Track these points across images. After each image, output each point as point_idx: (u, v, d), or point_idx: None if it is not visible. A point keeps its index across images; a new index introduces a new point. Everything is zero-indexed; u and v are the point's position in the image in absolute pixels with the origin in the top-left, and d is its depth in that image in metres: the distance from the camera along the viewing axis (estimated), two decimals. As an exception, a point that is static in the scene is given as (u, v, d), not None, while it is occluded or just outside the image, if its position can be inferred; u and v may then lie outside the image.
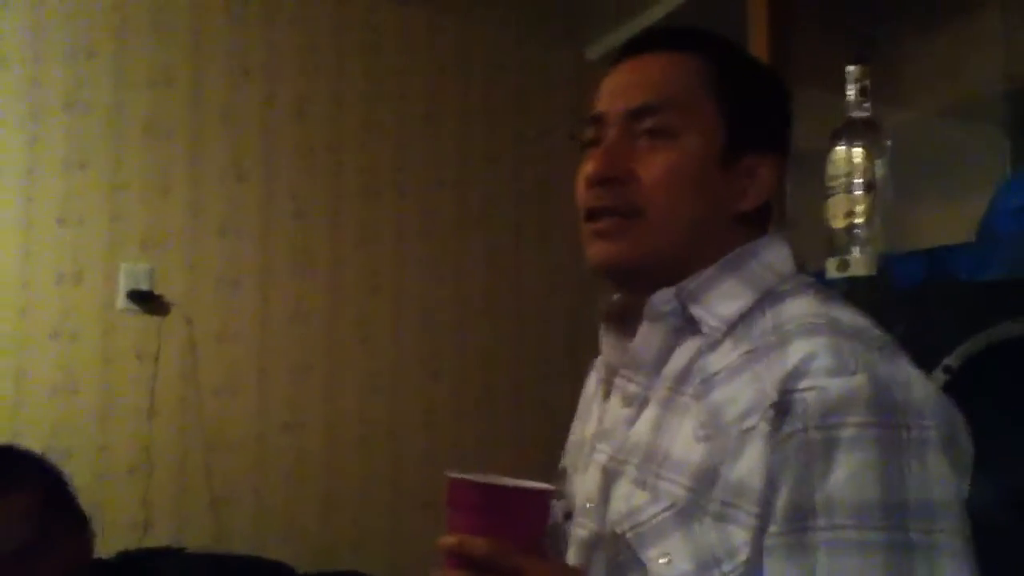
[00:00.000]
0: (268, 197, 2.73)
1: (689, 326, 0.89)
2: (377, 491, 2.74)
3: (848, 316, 0.84)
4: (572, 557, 0.93)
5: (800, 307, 0.85)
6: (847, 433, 0.76)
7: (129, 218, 2.56)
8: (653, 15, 2.89)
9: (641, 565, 0.83)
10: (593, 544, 0.91)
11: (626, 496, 0.87)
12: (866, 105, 1.44)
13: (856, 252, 1.41)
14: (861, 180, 1.41)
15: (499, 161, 2.98)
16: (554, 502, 0.95)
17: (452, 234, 2.95)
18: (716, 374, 0.85)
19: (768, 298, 0.88)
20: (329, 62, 2.84)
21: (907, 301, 1.38)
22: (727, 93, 0.91)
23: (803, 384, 0.78)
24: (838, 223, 1.43)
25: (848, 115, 1.45)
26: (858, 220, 1.41)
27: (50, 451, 1.52)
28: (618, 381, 0.94)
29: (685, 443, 0.84)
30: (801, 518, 0.76)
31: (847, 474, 0.75)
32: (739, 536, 0.78)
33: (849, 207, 1.41)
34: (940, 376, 1.21)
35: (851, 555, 0.74)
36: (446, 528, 0.81)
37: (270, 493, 2.62)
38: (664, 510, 0.83)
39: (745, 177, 0.91)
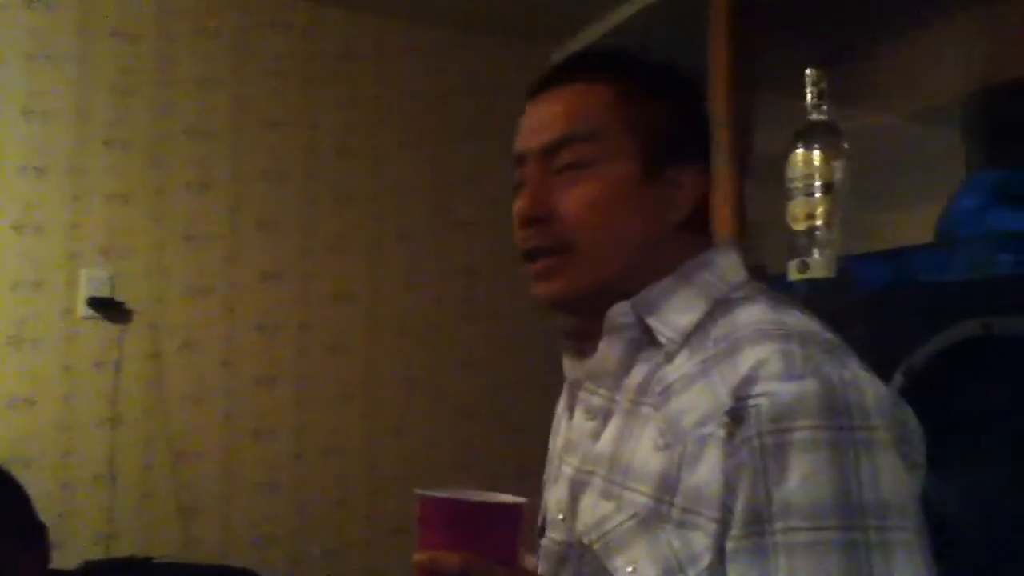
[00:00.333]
0: (235, 205, 2.70)
1: (647, 338, 0.91)
2: (349, 500, 2.72)
3: (798, 320, 0.85)
4: (544, 569, 0.95)
5: (751, 314, 0.86)
6: (799, 436, 0.77)
7: (89, 225, 2.53)
8: (617, 18, 2.91)
9: (609, 574, 0.84)
10: (563, 556, 0.92)
11: (592, 507, 0.89)
12: (824, 108, 1.46)
13: (816, 254, 1.42)
14: (820, 183, 1.42)
15: (471, 167, 2.98)
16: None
17: (426, 243, 2.95)
18: (673, 384, 0.87)
19: (720, 307, 0.89)
20: (300, 71, 2.83)
21: (868, 303, 1.40)
22: (637, 115, 0.92)
23: (755, 390, 0.79)
24: (798, 225, 1.44)
25: (807, 118, 1.46)
26: (818, 222, 1.42)
27: (10, 461, 1.49)
28: (582, 395, 0.96)
29: (645, 452, 0.86)
30: (759, 522, 0.77)
31: (800, 477, 0.76)
32: (701, 542, 0.79)
33: (809, 209, 1.42)
34: (901, 378, 1.23)
35: (808, 556, 0.75)
36: (418, 545, 0.81)
37: (238, 503, 2.60)
38: (628, 519, 0.84)
39: (671, 189, 0.93)
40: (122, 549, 2.35)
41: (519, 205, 0.94)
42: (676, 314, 0.90)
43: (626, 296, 0.91)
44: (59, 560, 1.48)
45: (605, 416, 0.93)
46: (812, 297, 1.39)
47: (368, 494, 2.73)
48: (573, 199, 0.91)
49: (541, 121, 0.94)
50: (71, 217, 2.51)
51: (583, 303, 0.94)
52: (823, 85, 1.44)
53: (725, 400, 0.80)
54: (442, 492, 0.83)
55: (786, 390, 0.78)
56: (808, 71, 1.46)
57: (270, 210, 2.75)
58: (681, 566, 0.80)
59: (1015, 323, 1.14)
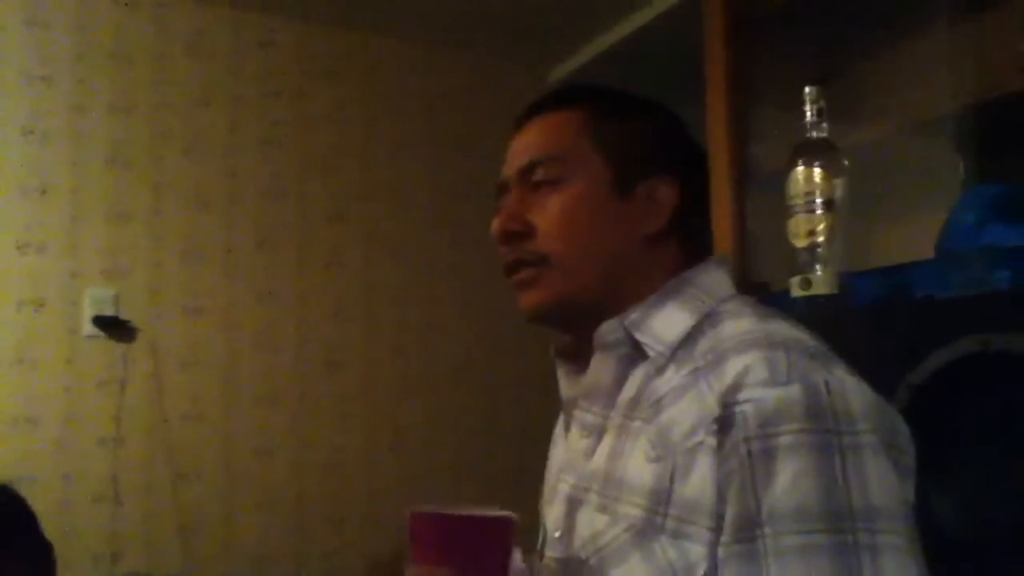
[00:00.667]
0: (231, 224, 2.72)
1: (637, 354, 0.93)
2: (348, 516, 2.73)
3: (783, 329, 0.87)
4: None
5: (737, 325, 0.88)
6: (785, 441, 0.78)
7: (90, 245, 2.54)
8: (613, 37, 2.93)
9: None
10: (561, 572, 0.93)
11: (588, 522, 0.90)
12: (823, 126, 1.47)
13: (818, 270, 1.43)
14: (821, 199, 1.44)
15: (466, 184, 2.99)
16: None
17: (421, 257, 2.96)
18: (663, 396, 0.89)
19: (708, 320, 0.92)
20: (293, 90, 2.85)
21: (868, 319, 1.41)
22: (605, 135, 0.98)
23: (741, 396, 0.81)
24: (800, 242, 1.45)
25: (806, 135, 1.48)
26: (819, 239, 1.43)
27: (13, 480, 1.49)
28: (576, 413, 0.98)
29: (638, 465, 0.87)
30: (749, 527, 0.78)
31: (787, 481, 0.77)
32: (696, 551, 0.80)
33: (810, 226, 1.44)
34: (904, 394, 1.24)
35: (798, 560, 0.76)
36: (408, 561, 0.81)
37: (238, 520, 2.60)
38: (623, 532, 0.85)
39: (645, 203, 0.97)
40: (125, 567, 2.35)
41: (494, 223, 0.99)
42: (664, 328, 0.92)
43: (607, 308, 0.94)
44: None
45: (600, 433, 0.94)
46: (813, 313, 1.40)
47: (367, 509, 2.73)
48: (547, 213, 0.96)
49: (519, 149, 1.01)
50: (72, 237, 2.52)
51: (563, 315, 0.98)
52: (822, 103, 1.46)
53: (713, 408, 0.82)
54: (431, 508, 0.84)
55: (771, 396, 0.79)
56: (807, 89, 1.48)
57: (266, 228, 2.76)
58: None
59: (1014, 339, 1.16)
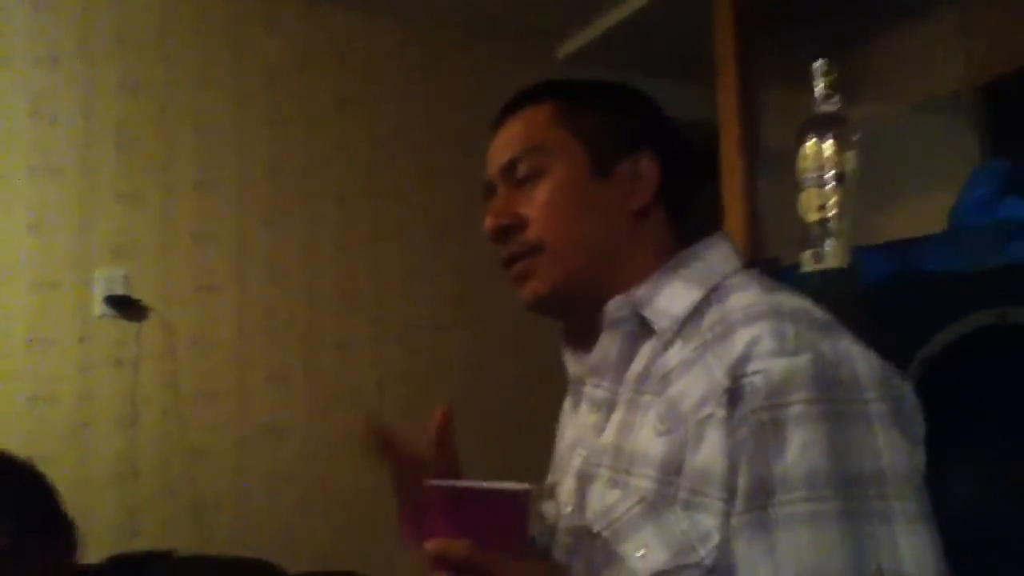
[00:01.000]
0: (240, 205, 2.72)
1: (645, 330, 0.94)
2: (361, 492, 2.73)
3: (789, 300, 0.87)
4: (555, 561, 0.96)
5: (744, 298, 0.89)
6: (793, 411, 0.79)
7: (101, 225, 2.55)
8: (622, 12, 2.92)
9: (620, 561, 0.86)
10: (574, 548, 0.94)
11: (599, 496, 0.91)
12: (834, 99, 1.46)
13: (830, 244, 1.43)
14: (832, 173, 1.43)
15: (472, 163, 2.98)
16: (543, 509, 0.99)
17: (429, 238, 2.96)
18: (672, 370, 0.90)
19: (714, 294, 0.93)
20: (299, 70, 2.84)
21: (881, 293, 1.41)
22: (580, 122, 1.00)
23: (750, 368, 0.81)
24: (811, 216, 1.45)
25: (816, 109, 1.47)
26: (831, 213, 1.43)
27: (30, 459, 1.51)
28: (586, 390, 0.99)
29: (648, 439, 0.88)
30: (760, 496, 0.79)
31: (797, 450, 0.78)
32: (709, 521, 0.81)
33: (821, 200, 1.43)
34: (919, 366, 1.24)
35: (808, 527, 0.76)
36: (425, 534, 0.82)
37: (253, 497, 2.61)
38: (635, 504, 0.86)
39: (628, 180, 0.99)
40: (141, 544, 2.36)
41: (486, 221, 1.00)
42: (670, 303, 0.93)
43: (605, 288, 0.96)
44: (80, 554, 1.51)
45: (609, 409, 0.96)
46: (825, 287, 1.40)
47: (379, 487, 2.74)
48: (534, 204, 0.98)
49: (498, 149, 1.03)
50: (82, 217, 2.53)
51: (563, 300, 0.99)
52: (833, 76, 1.45)
53: (722, 380, 0.83)
54: (448, 482, 0.85)
55: (779, 366, 0.80)
56: (818, 62, 1.47)
57: (274, 208, 2.76)
58: (691, 547, 0.81)
59: (1028, 311, 1.15)
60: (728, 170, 1.79)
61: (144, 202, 2.60)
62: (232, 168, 2.71)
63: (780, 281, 0.93)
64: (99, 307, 2.50)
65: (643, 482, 0.86)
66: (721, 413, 0.82)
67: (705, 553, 0.81)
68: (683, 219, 1.01)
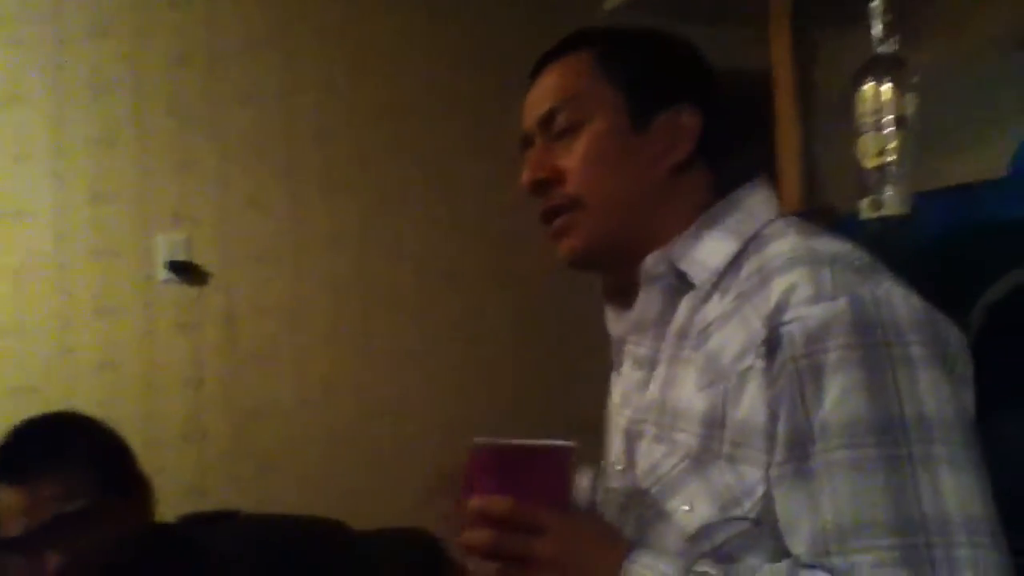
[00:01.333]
0: (292, 172, 2.73)
1: (683, 284, 0.93)
2: (414, 450, 2.76)
3: (827, 244, 0.86)
4: (607, 519, 0.97)
5: (781, 245, 0.88)
6: (832, 357, 0.78)
7: (159, 192, 2.59)
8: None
9: (669, 516, 0.86)
10: (624, 505, 0.94)
11: (647, 453, 0.92)
12: (892, 40, 1.42)
13: (889, 191, 1.40)
14: (891, 117, 1.39)
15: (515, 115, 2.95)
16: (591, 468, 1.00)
17: (478, 199, 2.94)
18: (711, 324, 0.89)
19: (752, 243, 0.92)
20: (345, 34, 2.82)
21: (942, 239, 1.38)
22: (617, 72, 0.98)
23: (787, 316, 0.81)
24: (869, 162, 1.41)
25: (874, 52, 1.43)
26: (890, 158, 1.39)
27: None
28: (628, 348, 0.99)
29: (690, 393, 0.88)
30: (800, 445, 0.78)
31: (836, 396, 0.77)
32: (753, 474, 0.81)
33: (880, 145, 1.40)
34: (981, 313, 1.21)
35: (850, 474, 0.76)
36: (467, 492, 0.83)
37: (312, 456, 2.66)
38: (680, 460, 0.87)
39: (668, 133, 0.97)
40: (208, 505, 2.43)
41: (524, 175, 1.00)
42: (708, 255, 0.92)
43: (645, 243, 0.95)
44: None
45: (652, 365, 0.96)
46: (884, 235, 1.37)
47: (435, 445, 2.76)
48: (573, 157, 0.97)
49: (535, 99, 1.02)
50: (141, 186, 2.57)
51: (603, 256, 0.99)
52: (891, 17, 1.41)
53: (760, 330, 0.82)
54: (491, 439, 0.85)
55: (816, 313, 0.79)
56: (874, 3, 1.42)
57: (326, 172, 2.77)
58: (736, 500, 0.82)
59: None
60: (781, 117, 1.76)
61: (199, 169, 2.63)
62: (280, 134, 2.71)
63: (839, 230, 0.91)
64: (162, 272, 2.55)
65: (687, 437, 0.87)
66: (760, 364, 0.81)
67: (750, 506, 0.81)
68: (726, 172, 1.00)
